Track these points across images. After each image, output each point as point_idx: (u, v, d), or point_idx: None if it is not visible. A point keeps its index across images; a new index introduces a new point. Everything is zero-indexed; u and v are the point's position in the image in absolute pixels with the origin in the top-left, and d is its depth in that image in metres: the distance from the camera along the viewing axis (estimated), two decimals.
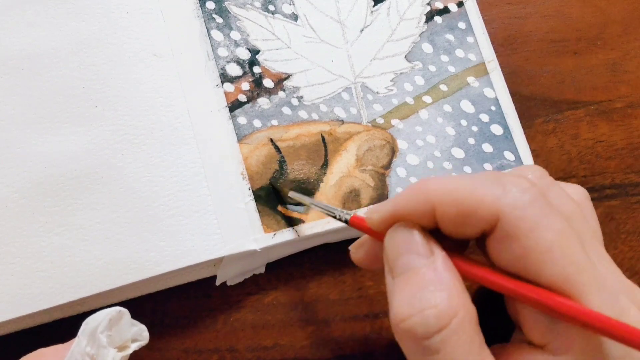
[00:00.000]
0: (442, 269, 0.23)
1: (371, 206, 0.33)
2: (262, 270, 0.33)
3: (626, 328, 0.20)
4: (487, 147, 0.35)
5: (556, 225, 0.22)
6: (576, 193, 0.26)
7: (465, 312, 0.22)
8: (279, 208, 0.32)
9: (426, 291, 0.22)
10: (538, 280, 0.22)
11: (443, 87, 0.35)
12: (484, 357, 0.22)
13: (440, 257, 0.23)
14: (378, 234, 0.25)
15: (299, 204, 0.33)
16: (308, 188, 0.33)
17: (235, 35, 0.34)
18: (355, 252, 0.28)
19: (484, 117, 0.35)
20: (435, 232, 0.24)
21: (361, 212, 0.33)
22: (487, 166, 0.34)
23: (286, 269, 0.34)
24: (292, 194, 0.32)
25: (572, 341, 0.22)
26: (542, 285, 0.22)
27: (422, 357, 0.22)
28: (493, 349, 0.23)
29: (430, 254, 0.23)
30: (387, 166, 0.34)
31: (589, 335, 0.21)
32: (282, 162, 0.33)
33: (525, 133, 0.36)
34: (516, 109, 0.36)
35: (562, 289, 0.21)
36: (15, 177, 0.30)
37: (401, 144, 0.34)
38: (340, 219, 0.28)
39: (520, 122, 0.35)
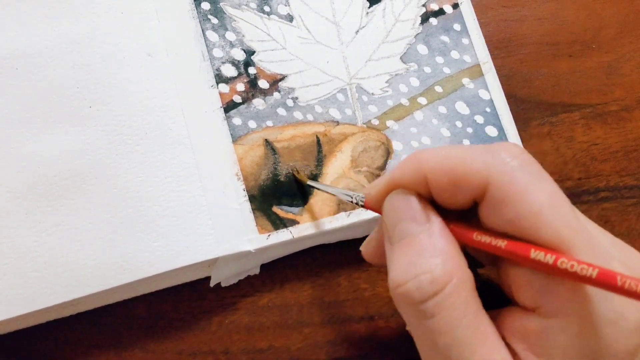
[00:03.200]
0: (438, 235, 0.23)
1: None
2: (257, 271, 0.33)
3: (615, 274, 0.20)
4: None
5: (547, 188, 0.22)
6: None
7: (460, 277, 0.22)
8: (274, 209, 0.32)
9: (422, 257, 0.23)
10: (533, 243, 0.22)
11: (438, 89, 0.36)
12: (479, 320, 0.22)
13: (436, 223, 0.24)
14: None
15: (297, 204, 0.33)
16: (303, 189, 0.33)
17: (230, 36, 0.34)
18: (365, 249, 0.28)
19: (479, 119, 0.35)
20: (433, 204, 0.25)
21: None
22: None
23: (281, 271, 0.34)
24: (310, 182, 0.32)
25: (563, 303, 0.22)
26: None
27: (419, 321, 0.23)
28: (490, 314, 0.23)
29: (426, 220, 0.24)
30: (382, 167, 0.34)
31: (580, 297, 0.21)
32: (277, 163, 0.33)
33: (520, 136, 0.36)
34: (511, 111, 0.36)
35: (555, 249, 0.21)
36: (8, 176, 0.30)
37: (396, 145, 0.34)
38: (356, 203, 0.28)
39: (516, 125, 0.36)
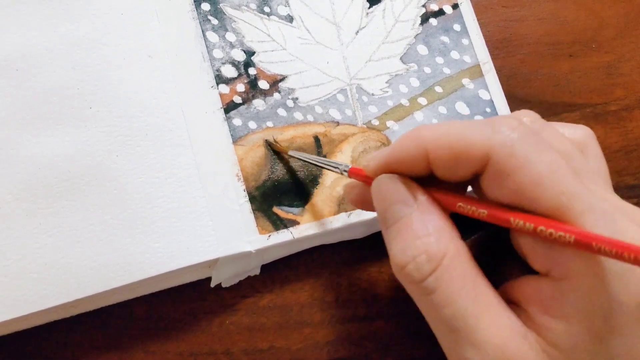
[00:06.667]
0: (427, 212, 0.24)
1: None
2: (257, 271, 0.33)
3: (592, 238, 0.21)
4: None
5: (546, 158, 0.22)
6: (578, 133, 0.27)
7: (453, 250, 0.23)
8: (274, 209, 0.32)
9: (416, 239, 0.24)
10: (534, 213, 0.23)
11: (438, 89, 0.36)
12: (479, 290, 0.23)
13: (423, 202, 0.25)
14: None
15: (297, 204, 0.33)
16: (303, 189, 0.33)
17: (230, 36, 0.34)
18: (349, 192, 0.29)
19: (479, 119, 0.35)
20: (431, 179, 0.25)
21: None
22: None
23: (281, 272, 0.34)
24: (291, 152, 0.32)
25: (571, 264, 0.22)
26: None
27: (423, 297, 0.24)
28: (506, 285, 0.25)
29: (414, 200, 0.25)
30: None
31: (586, 258, 0.22)
32: (277, 164, 0.33)
33: None
34: (512, 111, 0.36)
35: (556, 217, 0.22)
36: (9, 178, 0.30)
37: None
38: (340, 172, 0.29)
39: None
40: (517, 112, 0.26)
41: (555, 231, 0.21)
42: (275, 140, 0.33)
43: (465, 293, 0.23)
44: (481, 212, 0.24)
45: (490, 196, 0.24)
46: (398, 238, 0.24)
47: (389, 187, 0.25)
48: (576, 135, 0.26)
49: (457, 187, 0.26)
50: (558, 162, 0.23)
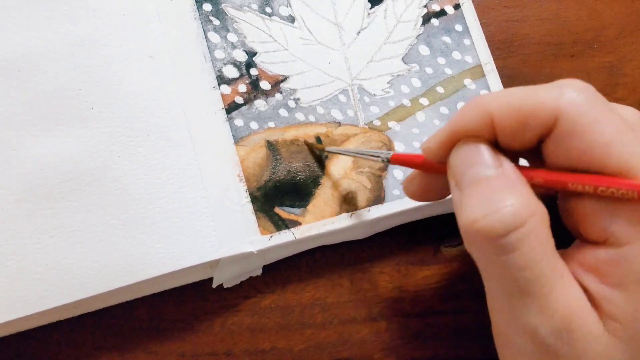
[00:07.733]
0: (513, 176, 0.23)
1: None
2: (259, 272, 0.33)
3: None
4: None
5: (615, 121, 0.22)
6: (627, 112, 0.26)
7: (541, 213, 0.22)
8: (276, 210, 0.32)
9: (499, 194, 0.22)
10: (602, 173, 0.22)
11: (440, 89, 0.35)
12: (557, 257, 0.23)
13: (509, 166, 0.23)
14: (425, 166, 0.26)
15: (299, 205, 0.33)
16: (305, 190, 0.33)
17: (232, 37, 0.34)
18: (408, 186, 0.28)
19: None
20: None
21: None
22: None
23: (283, 272, 0.34)
24: (328, 149, 0.33)
25: (633, 230, 0.22)
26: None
27: (496, 257, 0.22)
28: None
29: (499, 165, 0.23)
30: (384, 168, 0.34)
31: None
32: (278, 164, 0.33)
33: None
34: None
35: (624, 177, 0.22)
36: (11, 179, 0.30)
37: (398, 146, 0.34)
38: (382, 161, 0.28)
39: None
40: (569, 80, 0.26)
41: (617, 189, 0.21)
42: (309, 142, 0.34)
43: (546, 259, 0.22)
44: (537, 180, 0.23)
45: (553, 161, 0.23)
46: (477, 194, 0.23)
47: (472, 151, 0.24)
48: (625, 114, 0.26)
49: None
50: (625, 126, 0.22)
